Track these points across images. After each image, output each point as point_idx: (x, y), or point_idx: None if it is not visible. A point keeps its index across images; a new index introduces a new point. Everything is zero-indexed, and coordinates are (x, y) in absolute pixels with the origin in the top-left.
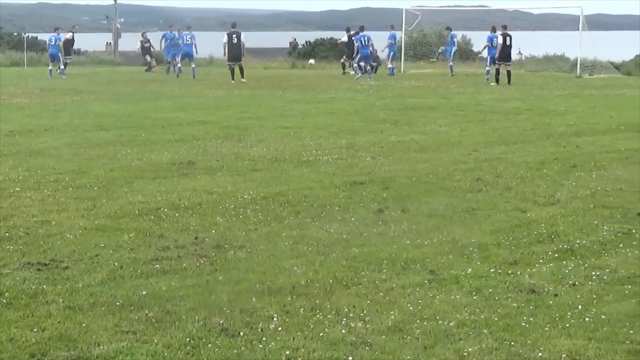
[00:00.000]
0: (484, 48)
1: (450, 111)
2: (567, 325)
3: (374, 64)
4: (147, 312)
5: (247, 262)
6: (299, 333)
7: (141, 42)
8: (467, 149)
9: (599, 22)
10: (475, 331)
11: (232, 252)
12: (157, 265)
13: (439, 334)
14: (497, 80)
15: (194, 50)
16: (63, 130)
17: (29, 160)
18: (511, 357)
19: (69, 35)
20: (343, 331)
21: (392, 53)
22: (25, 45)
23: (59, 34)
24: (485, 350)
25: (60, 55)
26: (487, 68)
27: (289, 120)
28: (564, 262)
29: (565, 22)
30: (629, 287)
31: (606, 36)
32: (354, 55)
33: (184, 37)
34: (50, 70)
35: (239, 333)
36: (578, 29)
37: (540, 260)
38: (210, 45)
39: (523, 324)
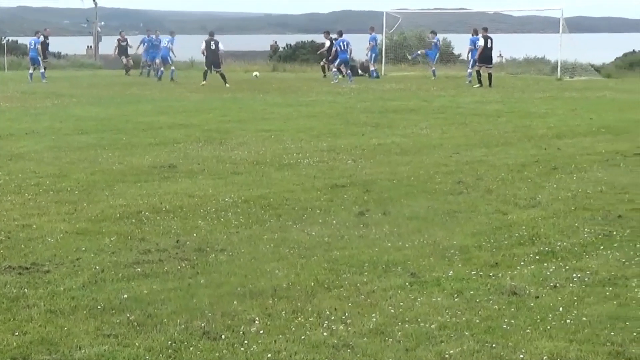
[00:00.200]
0: (469, 52)
1: (431, 114)
2: (549, 327)
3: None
4: (128, 315)
5: (229, 265)
6: (280, 336)
7: (118, 40)
8: (448, 152)
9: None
10: (456, 333)
11: (214, 255)
12: (139, 269)
13: (420, 337)
14: (480, 82)
15: (171, 54)
16: (44, 134)
17: (10, 164)
18: (493, 359)
19: (40, 38)
20: (325, 334)
21: (374, 55)
22: (5, 49)
23: (38, 38)
24: (466, 353)
25: (39, 59)
26: (469, 70)
27: (270, 123)
28: (545, 264)
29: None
30: (610, 289)
31: (587, 38)
32: (332, 59)
33: (162, 40)
34: (31, 74)
35: (221, 336)
36: (558, 32)
37: (522, 263)
38: (191, 48)
39: (504, 326)
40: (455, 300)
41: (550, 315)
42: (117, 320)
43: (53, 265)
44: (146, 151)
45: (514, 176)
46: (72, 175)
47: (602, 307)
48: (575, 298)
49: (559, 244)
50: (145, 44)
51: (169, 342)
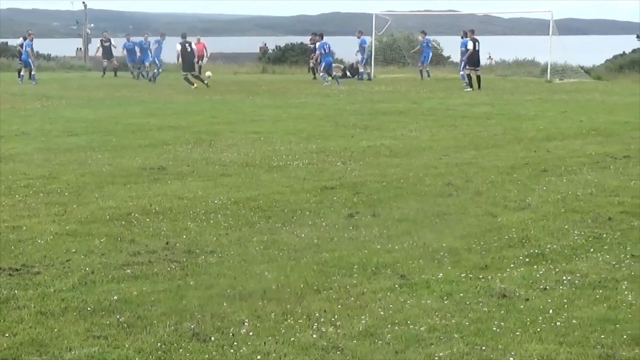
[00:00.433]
0: (469, 54)
1: (420, 116)
2: (538, 329)
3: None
4: (118, 317)
5: (218, 267)
6: (270, 338)
7: (101, 41)
8: (438, 154)
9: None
10: (446, 336)
11: (203, 257)
12: (128, 271)
13: (410, 339)
14: (471, 85)
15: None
16: (34, 135)
17: (0, 166)
18: None
19: (32, 40)
20: (314, 336)
21: (366, 58)
22: None
23: (30, 40)
24: (456, 355)
25: (30, 61)
26: (461, 73)
27: (259, 125)
28: (535, 266)
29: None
30: (600, 291)
31: (576, 40)
32: (317, 64)
33: (150, 42)
34: (22, 76)
35: (210, 338)
36: (548, 34)
37: (511, 265)
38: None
39: (494, 329)
40: (445, 302)
41: (540, 317)
42: (107, 322)
43: (43, 267)
44: (136, 153)
45: (503, 178)
46: (62, 177)
47: (592, 309)
48: (565, 301)
49: (548, 246)
50: (125, 48)
51: (159, 344)
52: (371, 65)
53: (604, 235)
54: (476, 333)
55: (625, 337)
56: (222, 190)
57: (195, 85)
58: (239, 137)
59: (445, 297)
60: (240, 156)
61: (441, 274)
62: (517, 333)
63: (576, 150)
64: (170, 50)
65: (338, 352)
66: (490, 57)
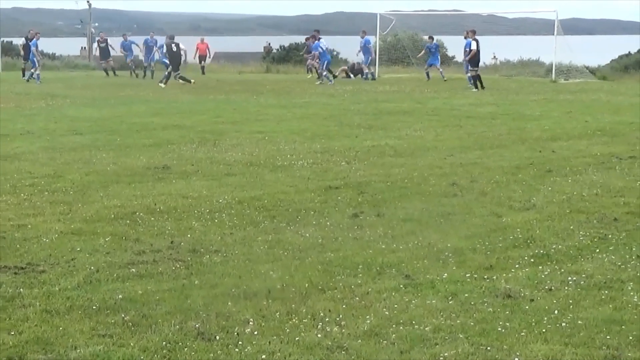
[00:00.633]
0: (471, 55)
1: (425, 116)
2: (544, 330)
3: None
4: (123, 315)
5: (223, 267)
6: (274, 337)
7: (97, 41)
8: (442, 154)
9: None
10: (451, 336)
11: (208, 256)
12: (133, 269)
13: (415, 339)
14: (476, 86)
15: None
16: (38, 134)
17: (5, 165)
18: None
19: (39, 39)
20: (319, 335)
21: (370, 58)
22: (0, 50)
23: (37, 39)
24: (461, 355)
25: (35, 60)
26: (468, 75)
27: (263, 124)
28: (540, 267)
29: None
30: (606, 292)
31: (581, 40)
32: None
33: (156, 41)
34: (33, 74)
35: (215, 337)
36: (553, 34)
37: (516, 265)
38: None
39: (499, 329)
40: (450, 302)
41: (546, 318)
42: (112, 321)
43: (48, 265)
44: (140, 152)
45: (508, 179)
46: (67, 176)
47: (597, 310)
48: (571, 301)
49: (554, 246)
50: (123, 47)
51: (164, 343)
52: (375, 65)
53: (610, 236)
54: (481, 333)
55: (630, 338)
56: (226, 190)
57: (193, 81)
58: (243, 137)
59: (450, 297)
60: (245, 156)
61: (446, 274)
62: (522, 333)
63: (581, 151)
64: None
65: (343, 352)
66: (495, 57)
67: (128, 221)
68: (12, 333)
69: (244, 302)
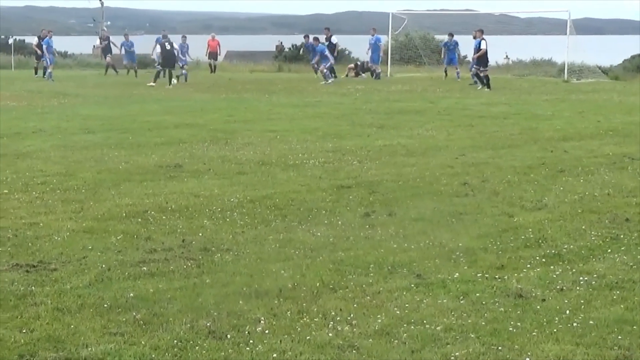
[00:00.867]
0: (480, 54)
1: (437, 115)
2: (555, 330)
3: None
4: (134, 314)
5: (234, 265)
6: (286, 336)
7: (100, 39)
8: (454, 153)
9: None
10: (462, 335)
11: (219, 255)
12: (145, 268)
13: (426, 338)
14: (482, 83)
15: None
16: (50, 132)
17: (17, 163)
18: None
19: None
20: (330, 334)
21: (379, 57)
22: (12, 48)
23: (50, 38)
24: (472, 355)
25: (48, 58)
26: (471, 72)
27: (275, 123)
28: (552, 267)
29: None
30: (617, 292)
31: (594, 40)
32: (320, 61)
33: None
34: (50, 73)
35: (226, 335)
36: (565, 33)
37: (528, 265)
38: (197, 48)
39: (510, 329)
40: (461, 302)
41: (557, 318)
42: (124, 319)
43: (60, 264)
44: (152, 151)
45: (520, 178)
46: (79, 174)
47: (609, 310)
48: (582, 301)
49: (565, 246)
50: (123, 46)
51: (175, 341)
52: (387, 64)
53: (621, 236)
54: (492, 333)
55: None
56: (238, 189)
57: (152, 84)
58: (255, 136)
59: (462, 297)
60: (257, 154)
61: (457, 274)
62: (534, 333)
63: (593, 151)
64: (195, 49)
65: (354, 351)
66: (507, 56)
67: (140, 220)
68: (24, 331)
69: (255, 300)
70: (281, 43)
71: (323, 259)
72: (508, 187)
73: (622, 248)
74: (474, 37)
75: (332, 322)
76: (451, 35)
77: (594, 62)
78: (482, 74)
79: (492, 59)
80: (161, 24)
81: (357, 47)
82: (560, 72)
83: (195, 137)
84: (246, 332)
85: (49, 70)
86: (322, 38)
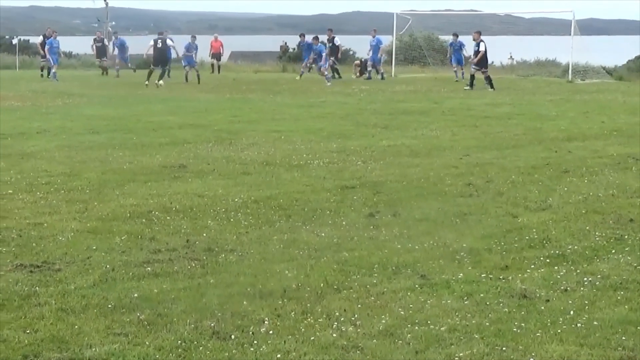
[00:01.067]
0: (480, 56)
1: (441, 116)
2: (559, 330)
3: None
4: (138, 314)
5: (238, 266)
6: (290, 336)
7: (94, 40)
8: (458, 154)
9: (591, 27)
10: (466, 336)
11: (223, 255)
12: (149, 268)
13: (430, 339)
14: (472, 85)
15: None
16: (55, 133)
17: (21, 163)
18: None
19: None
20: (334, 335)
21: (380, 58)
22: (17, 48)
23: (55, 38)
24: (476, 356)
25: (51, 58)
26: (471, 74)
27: (280, 124)
28: (556, 267)
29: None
30: (622, 293)
31: (598, 41)
32: (316, 61)
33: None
34: (54, 73)
35: (230, 336)
36: (570, 34)
37: (532, 266)
38: (201, 49)
39: (515, 330)
40: (465, 302)
41: (561, 318)
42: (128, 319)
43: (64, 264)
44: (156, 151)
45: (524, 179)
46: (83, 175)
47: (613, 311)
48: (586, 302)
49: (569, 247)
50: (114, 46)
51: (179, 342)
52: (391, 64)
53: (626, 237)
54: (496, 334)
55: None
56: (242, 189)
57: (147, 82)
58: (259, 136)
59: (466, 298)
60: (261, 155)
61: (461, 274)
62: (538, 334)
63: (598, 151)
64: (199, 50)
65: (358, 352)
66: (511, 57)
67: (144, 220)
68: (28, 331)
69: (260, 301)
70: (285, 43)
71: (327, 260)
72: (512, 188)
73: (627, 249)
74: (474, 39)
75: (336, 323)
76: (456, 35)
77: (599, 62)
78: (483, 75)
79: (497, 60)
80: (165, 24)
81: (362, 47)
82: (565, 73)
83: (199, 138)
84: (250, 333)
85: (53, 70)
86: (324, 38)
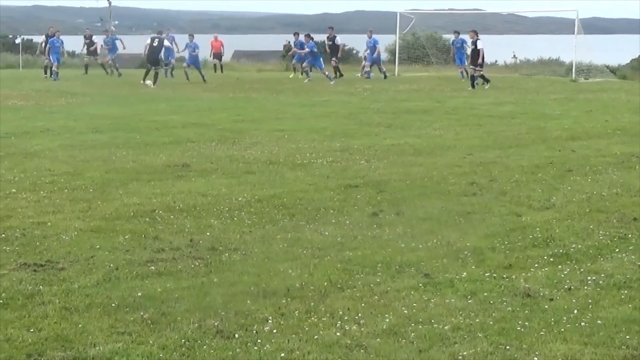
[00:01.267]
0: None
1: (444, 115)
2: (563, 329)
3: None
4: (142, 313)
5: (242, 265)
6: (293, 335)
7: (84, 37)
8: (462, 153)
9: (595, 26)
10: (470, 335)
11: (227, 254)
12: (152, 267)
13: (433, 338)
14: (474, 86)
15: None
16: (58, 132)
17: (25, 162)
18: None
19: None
20: (338, 334)
21: (374, 57)
22: (20, 47)
23: (58, 38)
24: (480, 354)
25: (53, 57)
26: (474, 74)
27: (283, 123)
28: (560, 266)
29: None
30: (625, 291)
31: (602, 40)
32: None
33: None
34: (55, 72)
35: (234, 335)
36: (573, 33)
37: (536, 265)
38: (204, 48)
39: (518, 328)
40: (469, 301)
41: (565, 317)
42: (131, 318)
43: (68, 263)
44: (160, 150)
45: (528, 178)
46: (87, 174)
47: (617, 310)
48: (590, 301)
49: (573, 246)
50: (105, 44)
51: (183, 340)
52: (395, 63)
53: (629, 236)
54: (500, 332)
55: None
56: (245, 188)
57: (143, 82)
58: (263, 135)
59: (469, 296)
60: (264, 154)
61: (465, 273)
62: (542, 333)
63: (601, 150)
64: (201, 50)
65: (361, 351)
66: (514, 56)
67: (147, 219)
68: (32, 330)
69: (263, 300)
70: (289, 42)
71: (331, 259)
72: (516, 187)
73: (630, 247)
74: (470, 38)
75: (339, 322)
76: (457, 32)
77: (602, 61)
78: (476, 74)
79: (500, 58)
80: (168, 23)
81: (365, 46)
82: (568, 72)
83: (202, 137)
84: (254, 332)
85: (54, 69)
86: (325, 38)
